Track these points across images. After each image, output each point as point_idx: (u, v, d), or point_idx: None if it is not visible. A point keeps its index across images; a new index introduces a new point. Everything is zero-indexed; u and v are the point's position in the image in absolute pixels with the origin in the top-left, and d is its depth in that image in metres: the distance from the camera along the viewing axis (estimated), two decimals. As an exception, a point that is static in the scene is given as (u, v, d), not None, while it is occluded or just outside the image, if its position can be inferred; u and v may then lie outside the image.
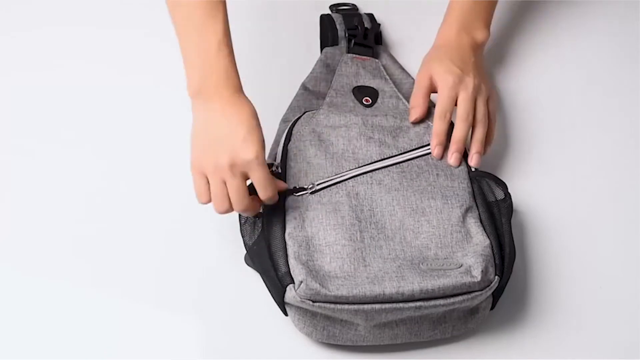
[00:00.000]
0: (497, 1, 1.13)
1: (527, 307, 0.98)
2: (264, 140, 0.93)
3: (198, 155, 0.93)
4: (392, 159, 1.01)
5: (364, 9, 1.24)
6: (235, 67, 0.95)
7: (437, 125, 1.03)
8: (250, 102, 0.95)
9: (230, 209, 0.93)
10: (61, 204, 1.05)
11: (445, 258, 0.93)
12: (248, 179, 0.93)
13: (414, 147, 1.03)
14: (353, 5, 1.24)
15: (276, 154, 1.03)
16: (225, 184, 0.92)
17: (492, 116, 1.06)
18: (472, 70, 1.06)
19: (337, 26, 1.19)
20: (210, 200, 0.94)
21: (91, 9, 1.25)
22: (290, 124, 1.04)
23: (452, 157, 1.02)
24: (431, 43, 1.12)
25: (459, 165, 1.02)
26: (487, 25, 1.12)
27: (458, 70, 1.05)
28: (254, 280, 0.97)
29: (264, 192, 0.93)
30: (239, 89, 0.95)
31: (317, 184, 0.98)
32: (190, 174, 0.94)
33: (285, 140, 1.02)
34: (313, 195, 0.97)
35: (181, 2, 0.95)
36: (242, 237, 0.96)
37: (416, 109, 1.05)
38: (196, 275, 1.00)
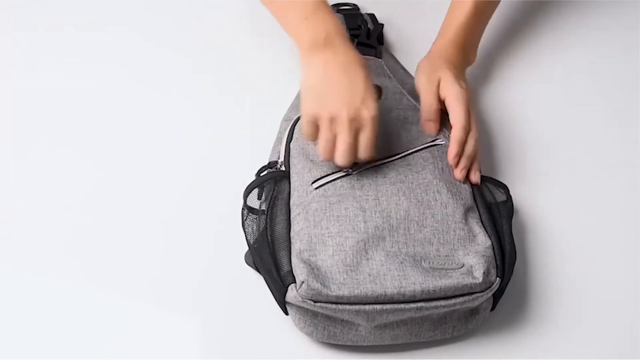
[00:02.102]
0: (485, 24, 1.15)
1: (527, 308, 0.99)
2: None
3: (313, 105, 0.96)
4: (395, 156, 1.01)
5: (365, 9, 1.23)
6: (339, 20, 0.99)
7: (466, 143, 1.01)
8: (358, 54, 0.98)
9: (332, 158, 0.96)
10: (60, 205, 1.05)
11: (446, 256, 0.93)
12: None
13: (416, 145, 1.02)
14: (354, 5, 1.23)
15: (279, 152, 1.03)
16: (335, 135, 0.95)
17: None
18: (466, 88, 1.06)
19: (339, 26, 1.18)
20: (316, 139, 0.97)
21: (90, 9, 1.25)
22: (292, 122, 1.04)
23: (461, 173, 1.00)
24: (431, 43, 1.11)
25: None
26: (477, 48, 1.15)
27: (463, 84, 1.05)
28: (254, 280, 0.97)
29: (367, 152, 0.96)
30: (348, 39, 0.99)
31: (321, 178, 0.98)
32: (303, 121, 0.97)
33: (287, 139, 1.02)
34: (317, 190, 0.97)
35: None
36: (245, 234, 0.96)
37: (432, 125, 1.04)
38: (196, 275, 0.99)
